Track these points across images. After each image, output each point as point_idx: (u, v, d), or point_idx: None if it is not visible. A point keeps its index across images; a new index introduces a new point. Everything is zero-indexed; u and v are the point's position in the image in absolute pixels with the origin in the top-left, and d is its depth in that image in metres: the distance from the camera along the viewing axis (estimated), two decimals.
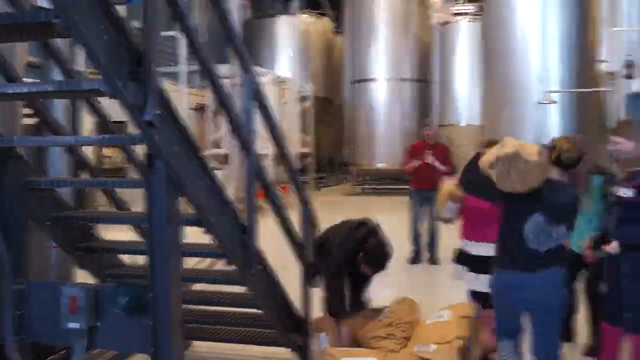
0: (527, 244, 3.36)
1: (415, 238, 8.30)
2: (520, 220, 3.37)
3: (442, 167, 7.79)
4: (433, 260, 8.25)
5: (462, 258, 4.61)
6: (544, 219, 3.33)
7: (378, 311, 4.37)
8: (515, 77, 9.68)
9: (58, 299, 3.14)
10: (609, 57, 9.90)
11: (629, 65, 8.13)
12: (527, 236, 3.36)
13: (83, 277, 4.14)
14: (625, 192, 3.65)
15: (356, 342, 4.10)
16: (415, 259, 8.31)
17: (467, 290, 4.64)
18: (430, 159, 7.83)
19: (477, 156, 3.84)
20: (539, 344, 3.44)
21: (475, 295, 4.51)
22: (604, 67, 10.25)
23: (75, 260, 3.89)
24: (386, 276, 4.38)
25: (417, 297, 4.75)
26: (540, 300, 3.35)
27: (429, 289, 7.01)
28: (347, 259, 4.20)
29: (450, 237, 5.90)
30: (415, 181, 8.21)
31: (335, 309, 4.16)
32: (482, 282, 4.18)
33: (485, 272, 3.85)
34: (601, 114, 10.47)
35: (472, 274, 4.43)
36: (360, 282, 4.40)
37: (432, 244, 8.21)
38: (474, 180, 3.79)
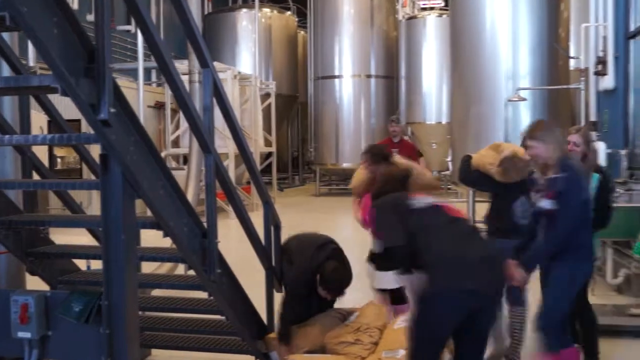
0: (514, 218, 4.31)
1: None
2: (511, 202, 4.36)
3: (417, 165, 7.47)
4: None
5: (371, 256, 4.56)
6: (527, 200, 4.15)
7: (346, 314, 4.30)
8: (484, 74, 9.70)
9: (7, 307, 3.02)
10: (579, 53, 10.02)
11: (600, 61, 8.20)
12: (515, 213, 4.33)
13: (35, 283, 3.98)
14: (545, 205, 3.68)
15: (322, 348, 4.01)
16: None
17: (375, 288, 4.70)
18: (396, 157, 7.44)
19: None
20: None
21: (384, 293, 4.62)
22: (574, 63, 10.39)
23: (26, 266, 3.73)
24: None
25: None
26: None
27: None
28: (304, 281, 4.10)
29: None
30: None
31: (280, 332, 4.06)
32: (388, 280, 4.37)
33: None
34: (571, 111, 10.62)
35: (379, 272, 4.35)
36: (323, 302, 4.30)
37: None
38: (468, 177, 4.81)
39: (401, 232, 3.20)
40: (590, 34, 8.64)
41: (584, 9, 10.76)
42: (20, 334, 3.00)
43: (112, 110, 2.48)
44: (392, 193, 3.54)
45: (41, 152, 3.96)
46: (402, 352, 3.62)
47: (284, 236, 4.44)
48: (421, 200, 3.36)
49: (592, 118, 8.69)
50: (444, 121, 16.17)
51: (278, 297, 4.37)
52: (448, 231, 3.21)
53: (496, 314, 3.40)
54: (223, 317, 3.89)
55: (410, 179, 3.84)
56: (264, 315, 4.24)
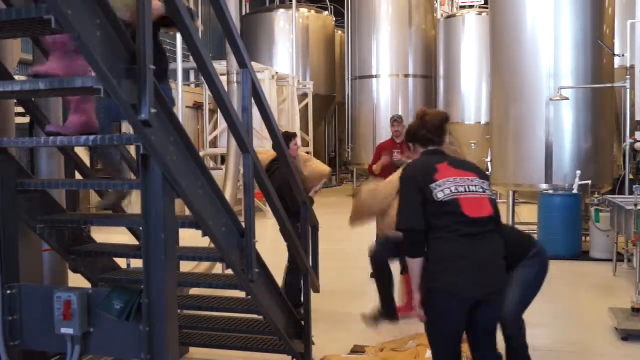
0: None
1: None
2: None
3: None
4: None
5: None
6: None
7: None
8: (524, 72, 9.49)
9: (51, 304, 3.07)
10: (624, 50, 9.75)
11: None
12: None
13: (77, 281, 4.06)
14: None
15: None
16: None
17: None
18: (397, 157, 7.29)
19: None
20: None
21: None
22: (618, 61, 10.10)
23: (68, 264, 3.80)
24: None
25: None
26: None
27: None
28: None
29: None
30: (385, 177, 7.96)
31: None
32: None
33: None
34: (616, 110, 10.33)
35: None
36: None
37: None
38: None
39: (422, 216, 3.11)
40: (637, 31, 8.40)
41: (629, 5, 10.46)
42: (63, 330, 3.03)
43: (153, 110, 2.51)
44: (430, 147, 3.35)
45: (82, 152, 4.04)
46: None
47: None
48: (447, 187, 3.14)
49: (638, 117, 8.46)
50: (483, 121, 15.96)
51: (315, 298, 4.37)
52: (457, 232, 3.10)
53: (498, 309, 3.28)
54: (260, 317, 3.91)
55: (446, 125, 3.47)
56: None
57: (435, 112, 3.54)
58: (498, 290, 3.17)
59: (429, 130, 3.36)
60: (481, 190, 3.21)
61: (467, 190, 3.16)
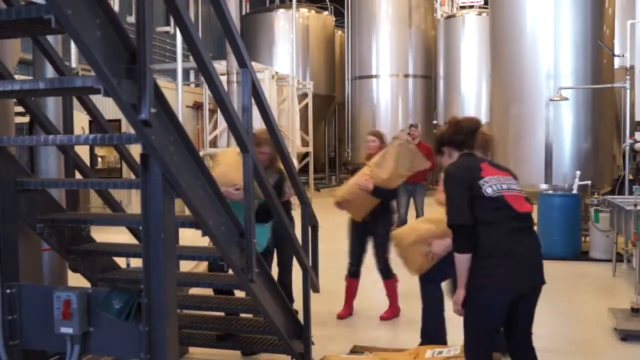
0: None
1: (400, 226, 8.89)
2: None
3: (428, 163, 8.33)
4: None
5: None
6: None
7: None
8: (524, 72, 9.49)
9: (50, 303, 3.06)
10: (624, 51, 9.75)
11: None
12: None
13: (76, 281, 4.06)
14: None
15: None
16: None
17: None
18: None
19: None
20: None
21: None
22: (618, 61, 10.10)
23: (68, 263, 3.80)
24: None
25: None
26: None
27: None
28: None
29: None
30: None
31: None
32: None
33: None
34: (615, 111, 10.33)
35: None
36: None
37: None
38: None
39: (470, 213, 3.25)
40: (637, 31, 8.40)
41: (629, 5, 10.46)
42: (63, 330, 3.03)
43: (153, 110, 2.50)
44: (465, 150, 3.50)
45: (82, 152, 4.04)
46: None
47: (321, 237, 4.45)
48: (493, 184, 3.32)
49: (638, 118, 8.46)
50: (483, 121, 15.95)
51: (315, 297, 4.37)
52: (506, 227, 3.27)
53: (536, 299, 3.42)
54: (260, 317, 3.90)
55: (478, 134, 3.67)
56: (300, 316, 4.25)
57: (469, 118, 3.80)
58: (540, 283, 3.34)
59: (465, 135, 3.54)
60: (519, 188, 3.43)
61: (510, 188, 3.36)
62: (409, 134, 9.16)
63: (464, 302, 3.29)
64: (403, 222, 9.28)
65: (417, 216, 9.20)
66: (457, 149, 3.54)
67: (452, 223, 3.30)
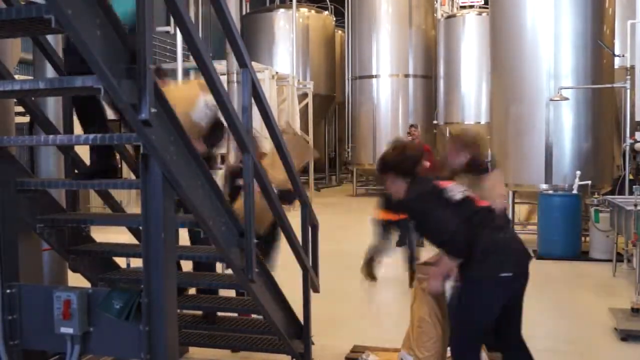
0: None
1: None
2: None
3: (425, 163, 8.56)
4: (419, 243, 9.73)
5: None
6: None
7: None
8: (524, 73, 9.48)
9: (51, 303, 3.06)
10: (625, 51, 9.74)
11: None
12: None
13: (76, 281, 4.06)
14: None
15: None
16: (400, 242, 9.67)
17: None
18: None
19: None
20: None
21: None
22: (618, 61, 10.08)
23: (68, 263, 3.80)
24: None
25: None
26: None
27: None
28: None
29: None
30: None
31: None
32: None
33: None
34: (616, 111, 10.31)
35: None
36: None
37: None
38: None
39: (454, 218, 3.33)
40: (637, 31, 8.39)
41: (629, 5, 10.45)
42: (63, 330, 3.03)
43: (153, 110, 2.50)
44: (419, 180, 3.57)
45: (82, 152, 4.04)
46: None
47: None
48: (456, 190, 3.47)
49: (638, 118, 8.46)
50: (483, 121, 15.96)
51: (315, 298, 4.37)
52: (486, 222, 3.41)
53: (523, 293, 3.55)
54: (260, 317, 3.90)
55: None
56: (300, 316, 4.25)
57: (413, 146, 4.00)
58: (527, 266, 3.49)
59: (411, 164, 3.63)
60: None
61: (464, 190, 3.52)
62: (408, 133, 9.41)
63: (459, 300, 3.39)
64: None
65: None
66: (402, 177, 3.59)
67: (447, 236, 3.33)
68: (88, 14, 2.32)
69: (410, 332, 4.06)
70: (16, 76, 4.26)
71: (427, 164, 9.09)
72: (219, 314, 4.49)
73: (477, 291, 3.36)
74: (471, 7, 17.66)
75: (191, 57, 3.07)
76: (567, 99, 8.86)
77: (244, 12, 19.60)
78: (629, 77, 8.95)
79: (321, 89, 19.20)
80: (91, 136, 2.96)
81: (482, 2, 17.10)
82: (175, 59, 13.01)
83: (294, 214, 5.18)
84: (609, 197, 8.34)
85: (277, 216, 3.81)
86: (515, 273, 3.38)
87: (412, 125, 10.04)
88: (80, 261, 3.76)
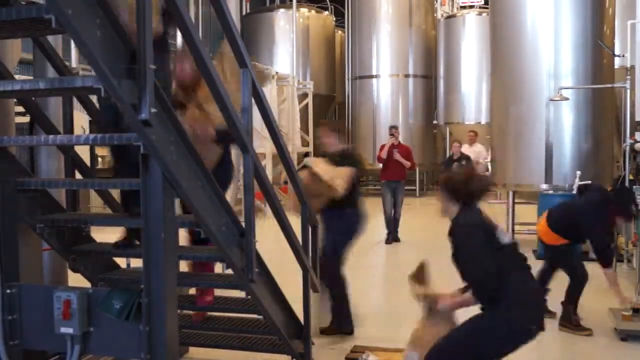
0: None
1: (388, 223, 10.25)
2: None
3: (406, 163, 10.08)
4: (395, 238, 10.27)
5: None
6: None
7: None
8: (525, 73, 9.47)
9: (51, 303, 3.06)
10: (625, 51, 9.73)
11: None
12: None
13: (76, 281, 4.05)
14: None
15: None
16: (388, 240, 10.24)
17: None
18: (397, 156, 10.06)
19: None
20: None
21: None
22: (619, 61, 10.07)
23: (68, 263, 3.80)
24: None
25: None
26: None
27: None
28: None
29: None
30: (385, 175, 10.35)
31: None
32: None
33: None
34: (616, 111, 10.31)
35: None
36: None
37: (396, 226, 10.30)
38: None
39: (494, 263, 3.24)
40: (637, 31, 8.38)
41: (629, 5, 10.44)
42: (63, 330, 3.03)
43: (153, 110, 2.50)
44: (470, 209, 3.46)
45: (82, 152, 4.04)
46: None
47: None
48: (504, 236, 3.41)
49: (638, 118, 8.45)
50: (483, 121, 15.96)
51: (315, 298, 4.37)
52: (523, 273, 3.38)
53: None
54: (260, 317, 3.90)
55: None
56: (300, 316, 4.25)
57: (481, 177, 3.80)
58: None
59: (477, 194, 3.51)
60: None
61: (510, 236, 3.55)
62: (391, 135, 10.39)
63: (471, 323, 3.34)
64: (389, 218, 10.19)
65: (396, 212, 10.15)
66: (456, 201, 3.48)
67: (481, 275, 3.25)
68: (88, 14, 2.32)
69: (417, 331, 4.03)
70: (16, 76, 4.26)
71: (408, 163, 10.05)
72: (219, 314, 4.48)
73: (501, 330, 3.27)
74: (471, 7, 17.67)
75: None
76: (567, 99, 8.86)
77: (244, 12, 19.60)
78: (629, 77, 8.93)
79: (321, 89, 19.20)
80: (91, 136, 2.96)
81: (482, 2, 17.11)
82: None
83: (293, 214, 5.19)
84: None
85: (275, 214, 3.81)
86: (539, 327, 3.33)
87: (393, 127, 10.94)
88: (80, 261, 3.76)
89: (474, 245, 3.28)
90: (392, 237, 10.28)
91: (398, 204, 10.23)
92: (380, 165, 10.44)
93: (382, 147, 10.46)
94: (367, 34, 17.90)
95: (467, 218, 3.41)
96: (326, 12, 20.86)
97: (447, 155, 13.92)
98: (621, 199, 5.57)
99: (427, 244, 8.11)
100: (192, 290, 4.54)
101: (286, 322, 4.00)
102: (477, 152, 11.79)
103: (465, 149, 11.76)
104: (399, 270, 7.34)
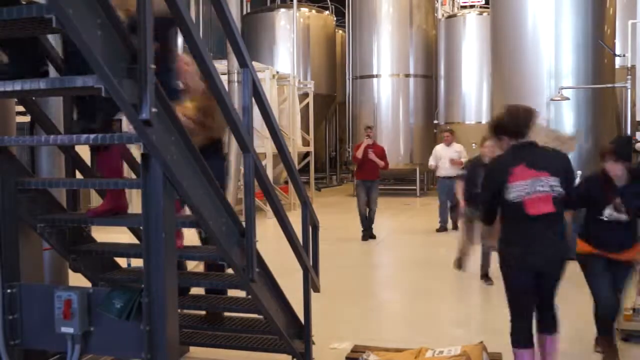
0: None
1: (363, 220, 10.44)
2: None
3: (380, 162, 10.28)
4: (371, 235, 10.43)
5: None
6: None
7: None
8: (525, 72, 9.47)
9: (51, 303, 3.06)
10: (625, 51, 9.73)
11: None
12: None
13: (77, 280, 4.05)
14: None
15: None
16: (364, 237, 10.41)
17: None
18: (372, 155, 10.19)
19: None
20: None
21: None
22: (619, 61, 10.07)
23: (69, 263, 3.80)
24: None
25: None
26: None
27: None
28: None
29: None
30: (360, 174, 10.56)
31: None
32: None
33: None
34: (616, 111, 10.30)
35: None
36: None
37: (370, 223, 10.45)
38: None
39: (489, 199, 3.97)
40: (638, 31, 8.38)
41: (630, 5, 10.44)
42: (64, 329, 3.03)
43: (154, 110, 2.50)
44: (514, 137, 3.96)
45: (83, 152, 4.04)
46: None
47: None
48: (518, 190, 3.78)
49: (639, 118, 8.45)
50: (484, 121, 15.96)
51: (315, 297, 4.37)
52: (522, 224, 3.85)
53: (559, 276, 4.17)
54: (261, 316, 3.91)
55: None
56: (301, 316, 4.25)
57: (525, 107, 4.29)
58: (552, 264, 4.03)
59: (519, 125, 4.00)
60: (548, 189, 3.79)
61: (534, 191, 3.77)
62: (367, 135, 10.52)
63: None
64: (362, 216, 10.44)
65: (370, 209, 10.38)
66: (511, 138, 3.95)
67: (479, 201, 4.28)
68: (89, 13, 2.32)
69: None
70: None
71: (382, 163, 10.29)
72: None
73: (506, 273, 4.05)
74: (472, 6, 17.68)
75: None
76: (567, 98, 8.86)
77: (244, 12, 19.60)
78: (629, 77, 8.94)
79: (322, 89, 19.20)
80: (92, 136, 2.95)
81: (483, 2, 17.10)
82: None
83: (294, 214, 5.19)
84: None
85: (277, 215, 3.81)
86: (531, 268, 4.00)
87: (368, 127, 11.11)
88: (80, 261, 3.76)
89: (484, 183, 4.08)
90: (368, 234, 10.45)
91: (372, 202, 10.42)
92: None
93: (357, 147, 10.63)
94: (368, 34, 17.90)
95: (495, 161, 4.10)
96: (327, 12, 20.87)
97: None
98: (618, 143, 5.53)
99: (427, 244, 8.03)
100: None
101: (287, 321, 4.00)
102: (458, 152, 11.14)
103: (443, 150, 11.22)
104: (398, 270, 7.35)
